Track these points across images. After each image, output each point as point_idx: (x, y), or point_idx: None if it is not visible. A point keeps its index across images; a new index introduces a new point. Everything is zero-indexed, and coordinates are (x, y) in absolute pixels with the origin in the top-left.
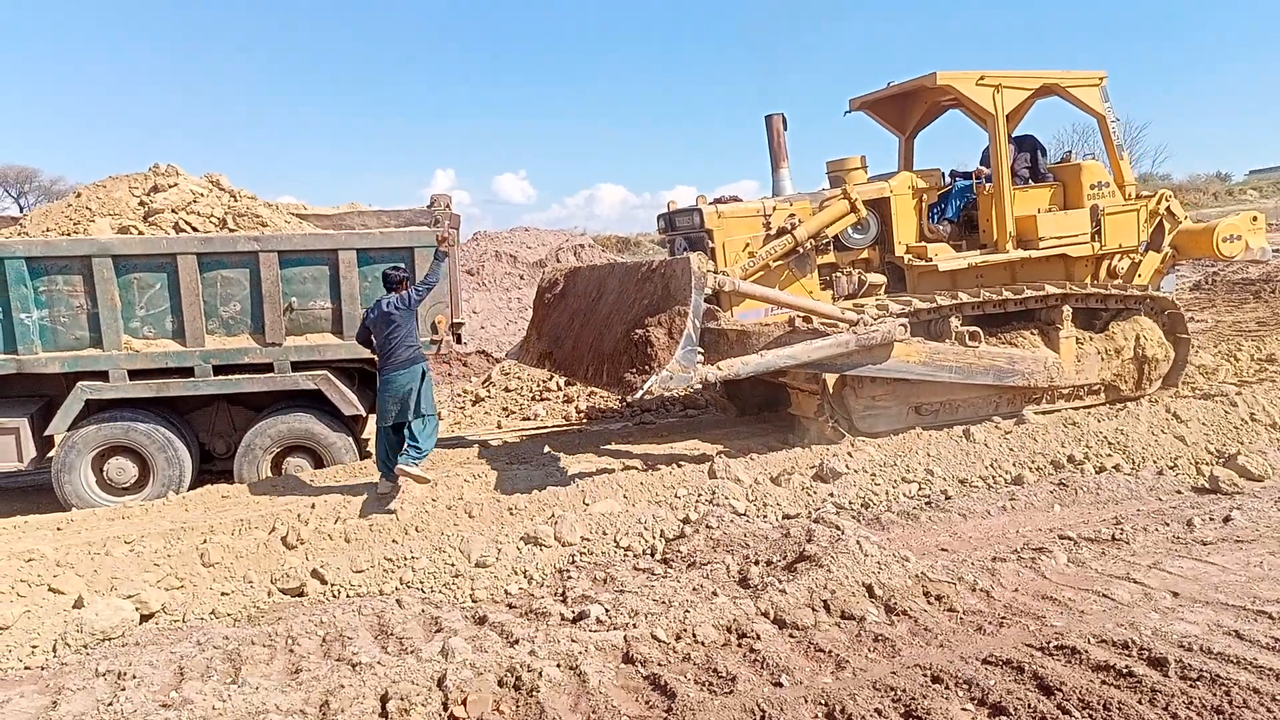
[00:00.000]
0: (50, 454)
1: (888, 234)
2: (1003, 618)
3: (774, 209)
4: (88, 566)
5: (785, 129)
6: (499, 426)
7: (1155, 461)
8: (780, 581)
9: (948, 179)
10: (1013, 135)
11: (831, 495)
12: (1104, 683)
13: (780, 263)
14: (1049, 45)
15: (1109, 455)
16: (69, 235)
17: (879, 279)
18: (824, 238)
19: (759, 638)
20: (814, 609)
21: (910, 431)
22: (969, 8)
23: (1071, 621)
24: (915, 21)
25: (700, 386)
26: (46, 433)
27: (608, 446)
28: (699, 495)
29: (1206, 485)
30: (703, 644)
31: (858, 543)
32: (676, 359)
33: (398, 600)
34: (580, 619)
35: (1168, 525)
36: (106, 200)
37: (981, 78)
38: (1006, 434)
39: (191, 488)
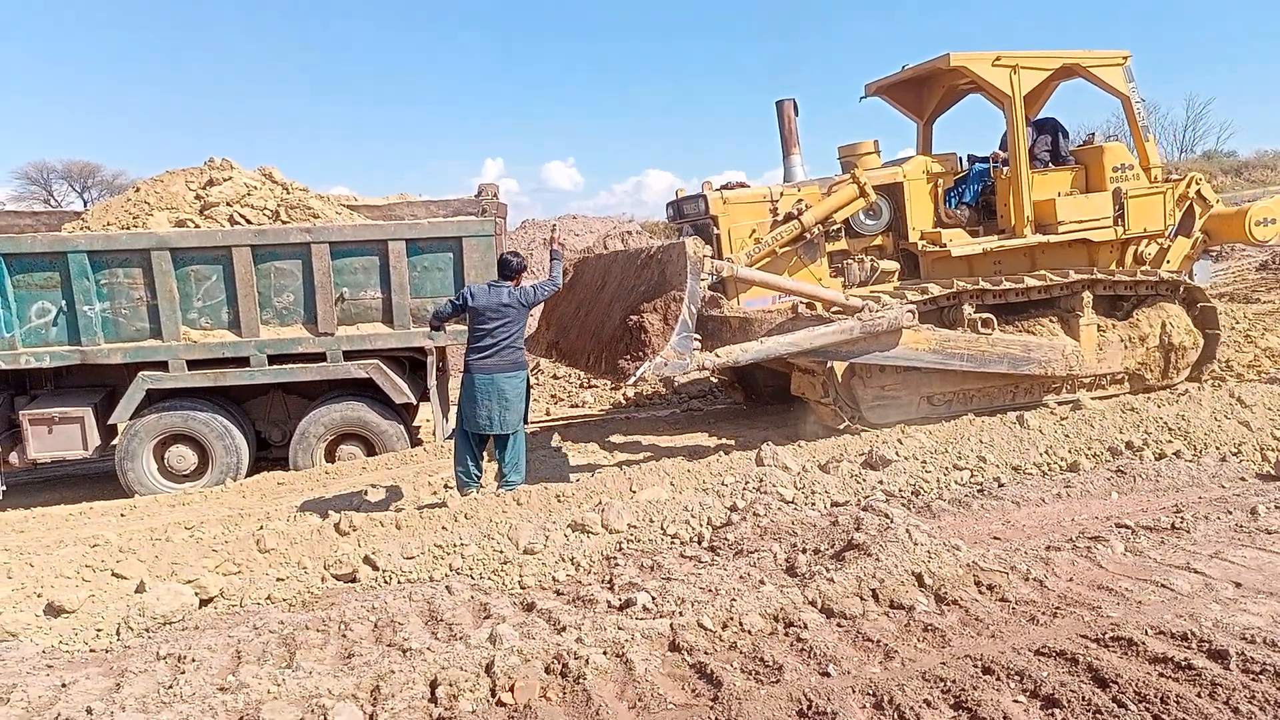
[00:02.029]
0: (114, 442)
1: (901, 220)
2: (1056, 608)
3: (781, 194)
4: (149, 552)
5: (796, 114)
6: (548, 414)
7: (1218, 447)
8: (828, 570)
9: (965, 163)
10: (1035, 119)
11: (881, 483)
12: (1162, 675)
13: (787, 249)
14: (1091, 22)
15: (1169, 441)
16: (128, 229)
17: (892, 266)
18: (833, 224)
19: (806, 626)
20: (862, 598)
21: (963, 418)
22: None
23: (1128, 612)
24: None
25: (698, 373)
26: (110, 422)
27: (655, 434)
28: (746, 483)
29: (1272, 472)
30: (749, 632)
31: (907, 531)
32: (671, 345)
33: (447, 586)
34: (627, 606)
35: (1230, 513)
36: (164, 194)
37: (997, 58)
38: (1062, 420)
39: (249, 475)
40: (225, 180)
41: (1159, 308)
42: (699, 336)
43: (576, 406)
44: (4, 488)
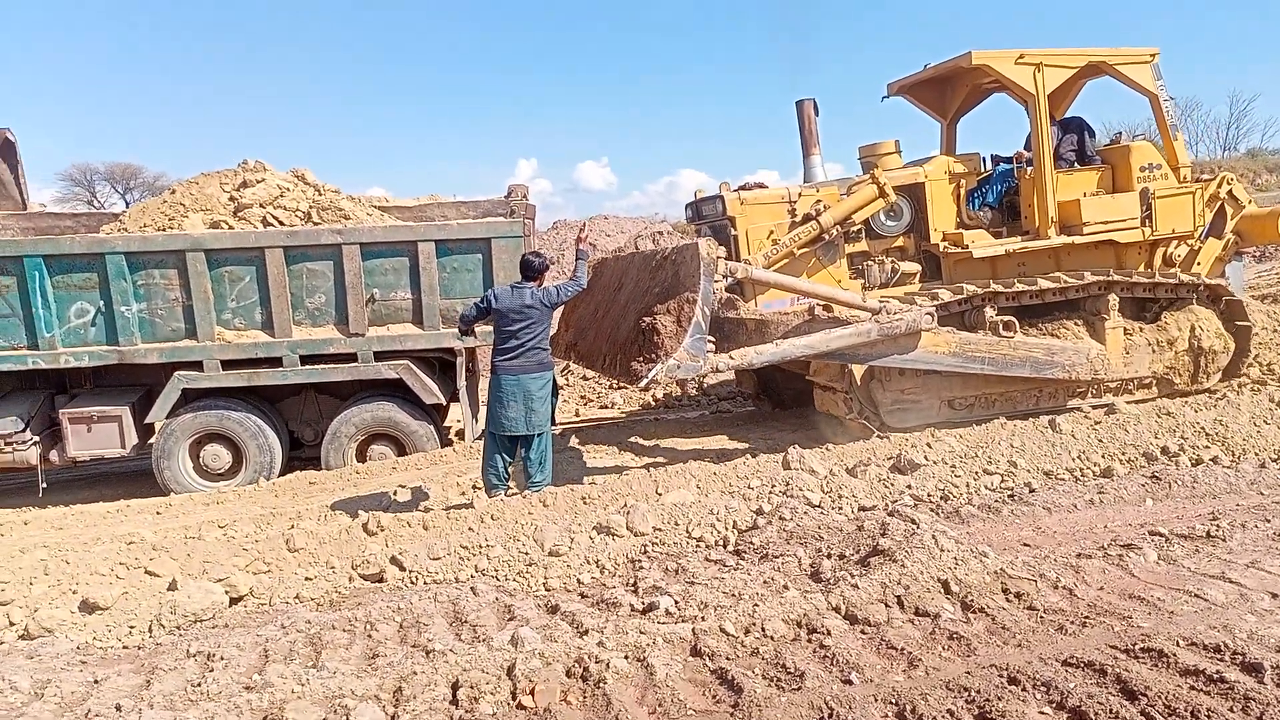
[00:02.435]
0: (150, 441)
1: (923, 221)
2: (1086, 617)
3: (800, 195)
4: (181, 550)
5: (817, 114)
6: (576, 415)
7: (1257, 453)
8: (852, 576)
9: (989, 163)
10: (1062, 118)
11: (909, 487)
12: (1193, 688)
13: (805, 250)
14: (1132, 18)
15: (1206, 447)
16: (164, 230)
17: (913, 268)
18: (852, 224)
19: (829, 633)
20: (887, 605)
21: (994, 421)
22: None
23: (1160, 623)
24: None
25: (713, 376)
26: (146, 420)
27: (683, 435)
28: (773, 486)
29: None
30: (772, 638)
31: (933, 537)
32: (685, 347)
33: (472, 588)
34: (650, 610)
35: (1268, 521)
36: (199, 196)
37: (1020, 56)
38: (1096, 424)
39: (282, 474)
40: (259, 182)
41: (1188, 311)
42: (713, 338)
43: (606, 408)
44: (44, 485)
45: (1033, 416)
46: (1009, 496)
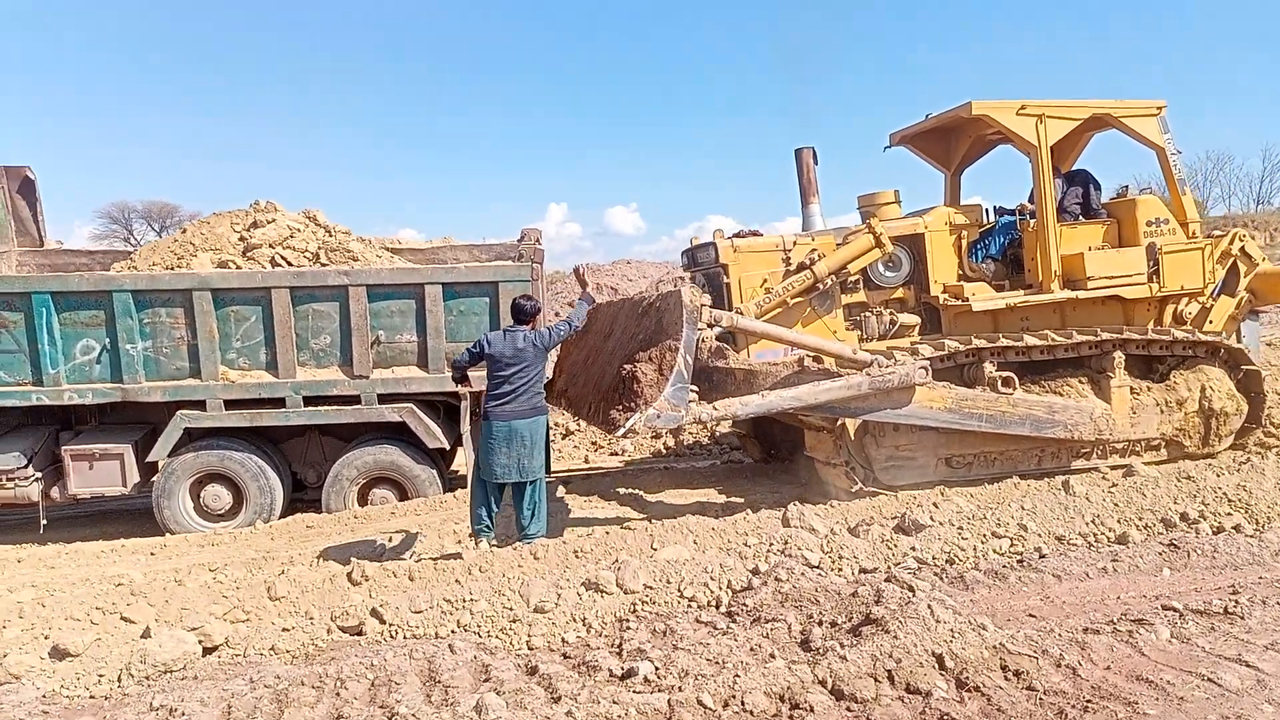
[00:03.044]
0: (153, 479)
1: (923, 272)
2: (1088, 700)
3: (795, 243)
4: (160, 596)
5: (816, 163)
6: (586, 461)
7: None
8: (842, 646)
9: (991, 215)
10: (1068, 171)
11: (913, 549)
12: None
13: (799, 300)
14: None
15: (1228, 514)
16: (172, 269)
17: (912, 319)
18: (847, 274)
19: (813, 710)
20: (876, 679)
21: (1007, 480)
22: (1063, 31)
23: (1168, 709)
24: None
25: (693, 426)
26: (148, 459)
27: (690, 486)
28: (771, 545)
29: None
30: (751, 713)
31: (929, 606)
32: (665, 396)
33: (450, 645)
34: (628, 676)
35: None
36: (210, 235)
37: (1022, 107)
38: (1112, 487)
39: (284, 515)
40: (269, 222)
41: (1198, 370)
42: (695, 388)
43: (616, 455)
44: (45, 521)
45: (1032, 477)
46: (1018, 562)
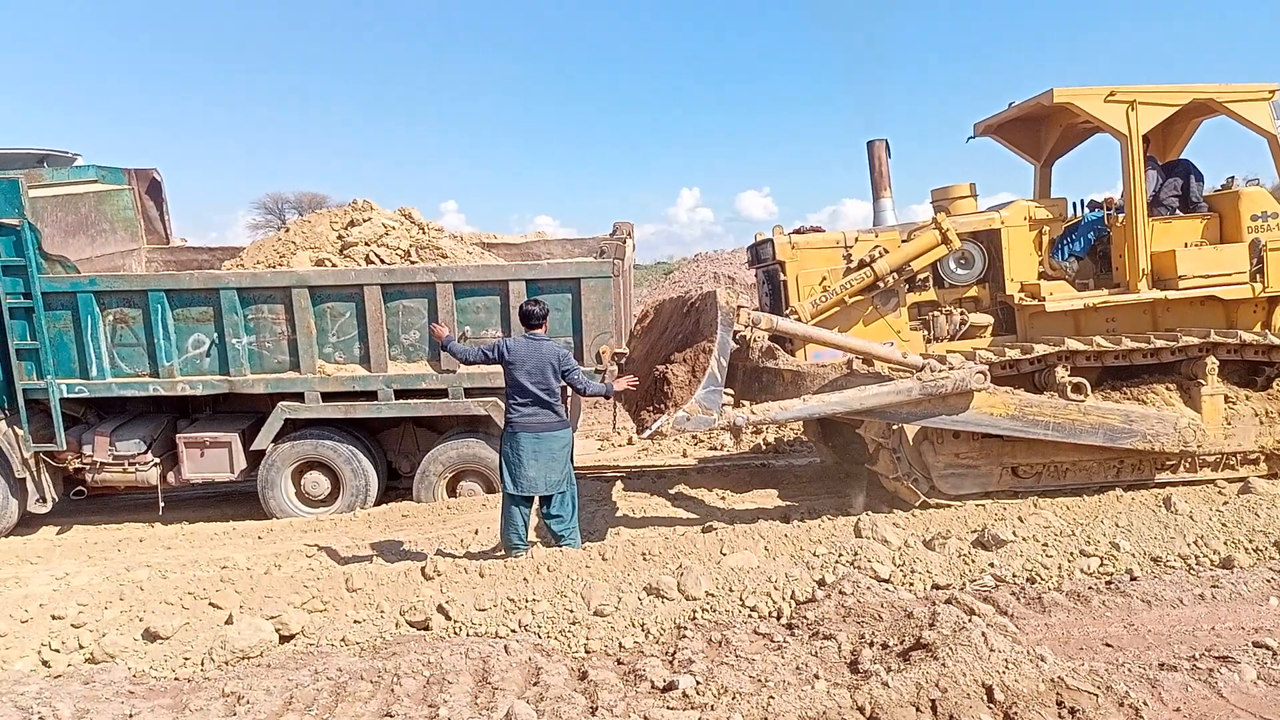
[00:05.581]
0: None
1: (998, 270)
2: None
3: (856, 240)
4: (246, 583)
5: (889, 155)
6: (684, 455)
7: None
8: (887, 671)
9: (1078, 209)
10: (1169, 161)
11: (992, 565)
12: None
13: (860, 298)
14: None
15: None
16: (274, 268)
17: (985, 320)
18: (910, 272)
19: None
20: (918, 709)
21: (1110, 493)
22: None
23: None
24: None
25: (727, 430)
26: (253, 447)
27: (780, 485)
28: (839, 555)
29: None
30: None
31: (983, 634)
32: (696, 399)
33: (505, 646)
34: (669, 689)
35: None
36: (310, 234)
37: (1111, 94)
38: (1223, 505)
39: (382, 502)
40: (365, 221)
41: None
42: (730, 391)
43: (715, 449)
44: (163, 504)
45: (1107, 490)
46: (1105, 584)
